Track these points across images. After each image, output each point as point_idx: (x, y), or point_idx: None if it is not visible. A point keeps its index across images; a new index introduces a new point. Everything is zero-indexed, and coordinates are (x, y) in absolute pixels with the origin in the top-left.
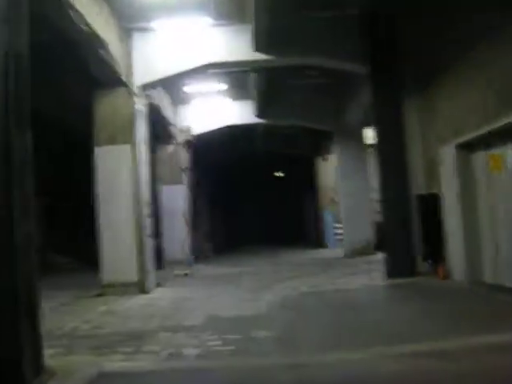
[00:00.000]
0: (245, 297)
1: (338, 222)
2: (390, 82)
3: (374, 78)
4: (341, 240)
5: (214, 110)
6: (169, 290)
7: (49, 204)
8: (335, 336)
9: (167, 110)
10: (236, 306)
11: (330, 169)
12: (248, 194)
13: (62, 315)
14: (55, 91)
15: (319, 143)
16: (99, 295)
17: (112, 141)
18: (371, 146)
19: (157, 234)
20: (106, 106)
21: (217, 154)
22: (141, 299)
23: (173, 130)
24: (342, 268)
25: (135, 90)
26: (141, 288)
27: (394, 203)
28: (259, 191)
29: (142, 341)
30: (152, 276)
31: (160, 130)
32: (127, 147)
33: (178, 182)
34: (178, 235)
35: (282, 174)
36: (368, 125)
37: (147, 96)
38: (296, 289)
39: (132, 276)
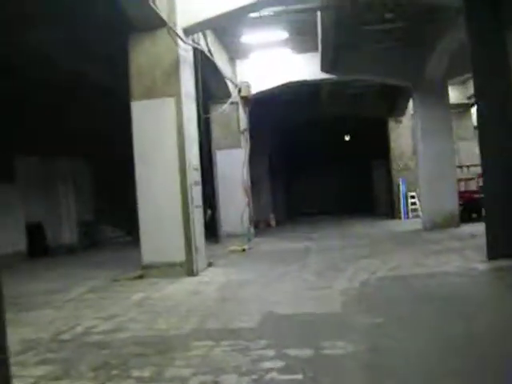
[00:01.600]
0: (312, 283)
1: (413, 191)
2: (492, 16)
3: (469, 12)
4: (416, 210)
5: (274, 64)
6: (221, 272)
7: (96, 170)
8: (451, 361)
9: (222, 63)
10: (301, 298)
11: (404, 132)
12: (313, 160)
13: (82, 307)
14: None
15: (392, 103)
16: (139, 277)
17: (151, 94)
18: (456, 105)
19: (212, 204)
20: (144, 53)
21: (278, 116)
22: (186, 283)
23: (229, 86)
24: (423, 244)
25: (179, 31)
26: (188, 269)
27: (501, 167)
28: (325, 157)
29: (169, 356)
30: (202, 254)
31: (214, 86)
32: (170, 101)
33: (235, 146)
34: (236, 206)
35: (350, 138)
36: (453, 76)
37: (194, 42)
38: (374, 272)
39: (177, 255)
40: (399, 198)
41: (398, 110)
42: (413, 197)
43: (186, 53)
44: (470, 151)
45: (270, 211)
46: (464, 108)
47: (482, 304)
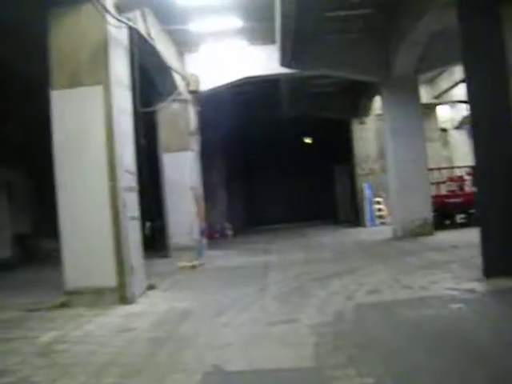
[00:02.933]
0: (273, 313)
1: (379, 197)
2: None
3: None
4: (382, 217)
5: (228, 57)
6: (162, 297)
7: (37, 179)
8: None
9: (168, 54)
10: (259, 339)
11: (369, 133)
12: (273, 164)
13: None
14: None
15: (356, 103)
16: (61, 306)
17: (75, 82)
18: (422, 105)
19: (159, 213)
20: (66, 32)
21: (235, 117)
22: (116, 316)
23: (176, 80)
24: (399, 256)
25: (109, 7)
26: (121, 296)
27: (498, 172)
28: (286, 161)
29: None
30: (139, 276)
31: (160, 81)
32: (97, 89)
33: (184, 148)
34: (187, 215)
35: (311, 141)
36: (424, 71)
37: (130, 20)
38: (349, 297)
39: (108, 278)
40: (364, 205)
41: (362, 110)
42: (378, 202)
43: (117, 32)
44: (436, 154)
45: (226, 220)
46: (430, 109)
47: (503, 351)
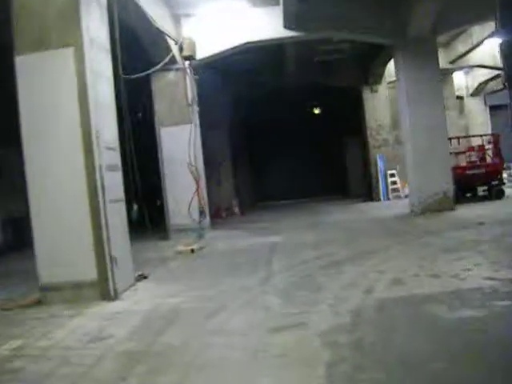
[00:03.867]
0: (276, 314)
1: (393, 169)
2: None
3: None
4: (396, 191)
5: (227, 21)
6: (151, 291)
7: None
8: None
9: (158, 16)
10: (257, 354)
11: (381, 102)
12: (280, 137)
13: None
14: None
15: (367, 70)
16: (35, 303)
17: (41, 45)
18: (442, 71)
19: (157, 192)
20: None
21: (236, 88)
22: (93, 316)
23: (170, 45)
24: (420, 236)
25: None
26: (102, 291)
27: None
28: (293, 133)
29: None
30: (126, 267)
31: (150, 46)
32: (68, 52)
33: (183, 121)
34: (186, 194)
35: (320, 112)
36: (442, 31)
37: None
38: (369, 290)
39: (86, 272)
40: (377, 178)
41: (373, 77)
42: (392, 175)
43: None
44: (453, 123)
45: (233, 197)
46: (446, 75)
47: None
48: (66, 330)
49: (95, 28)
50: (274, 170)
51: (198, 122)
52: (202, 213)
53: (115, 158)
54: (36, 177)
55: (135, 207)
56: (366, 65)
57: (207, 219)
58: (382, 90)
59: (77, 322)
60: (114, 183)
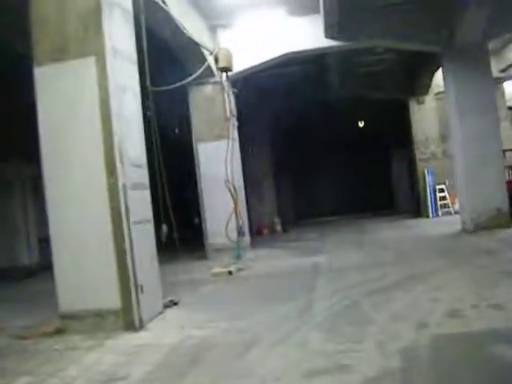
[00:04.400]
0: (315, 355)
1: (442, 184)
2: None
3: None
4: (446, 206)
5: (266, 31)
6: (180, 320)
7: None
8: None
9: (190, 26)
10: None
11: (428, 114)
12: (323, 152)
13: None
14: None
15: (413, 81)
16: (55, 332)
17: (62, 54)
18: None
19: (194, 210)
20: None
21: (280, 101)
22: (112, 350)
23: (206, 56)
24: (476, 257)
25: None
26: (126, 320)
27: None
28: (337, 147)
29: None
30: (151, 295)
31: (184, 57)
32: (89, 62)
33: (221, 136)
34: (225, 213)
35: (363, 124)
36: (493, 37)
37: None
38: (423, 323)
39: (109, 300)
40: (426, 193)
41: (420, 88)
42: (442, 190)
43: None
44: (505, 134)
45: (276, 215)
46: (496, 84)
47: None
48: (80, 366)
49: (119, 36)
50: (317, 185)
51: (236, 138)
52: (240, 232)
53: (142, 175)
54: (56, 197)
55: (164, 227)
56: (412, 75)
57: (247, 238)
58: (429, 101)
59: (94, 357)
60: (140, 203)
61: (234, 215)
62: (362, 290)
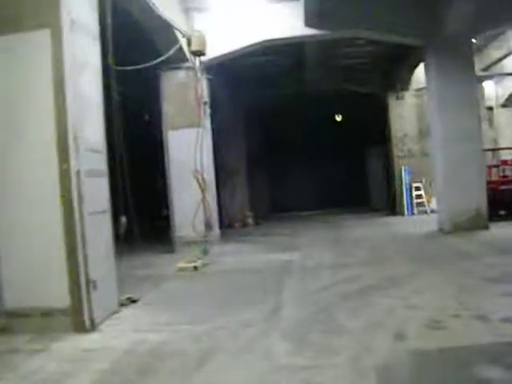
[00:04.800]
0: (281, 370)
1: (418, 182)
2: None
3: None
4: (422, 205)
5: (244, 17)
6: (136, 320)
7: None
8: None
9: (166, 9)
10: None
11: (407, 110)
12: (297, 146)
13: None
14: None
15: (392, 76)
16: (1, 330)
17: (14, 25)
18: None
19: (164, 201)
20: None
21: (252, 92)
22: (56, 355)
23: (180, 40)
24: (455, 259)
25: None
26: (76, 320)
27: None
28: (312, 142)
29: None
30: (104, 293)
31: (159, 43)
32: (43, 36)
33: (192, 124)
34: (194, 204)
35: (341, 118)
36: (480, 32)
37: None
38: (400, 334)
39: (58, 297)
40: (402, 190)
41: (400, 83)
42: (418, 188)
43: None
44: (483, 134)
45: (248, 207)
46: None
47: None
48: (17, 374)
49: (78, 8)
50: (291, 179)
51: (208, 126)
52: (208, 225)
53: (99, 161)
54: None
55: (123, 219)
56: (392, 70)
57: (216, 231)
58: (409, 97)
59: (34, 363)
60: (96, 191)
61: (202, 207)
62: (335, 293)
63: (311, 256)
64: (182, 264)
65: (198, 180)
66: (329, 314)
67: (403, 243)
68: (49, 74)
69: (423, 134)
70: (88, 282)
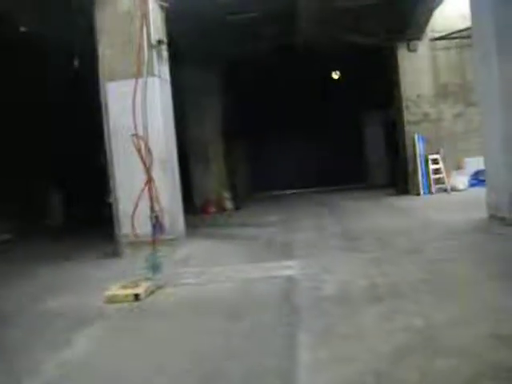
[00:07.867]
0: None
1: (436, 153)
2: None
3: None
4: (441, 182)
5: None
6: None
7: None
8: None
9: None
10: None
11: (421, 64)
12: (285, 112)
13: None
14: None
15: (404, 21)
16: None
17: None
18: None
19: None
20: None
21: (233, 42)
22: None
23: None
24: None
25: None
26: None
27: None
28: (302, 107)
29: None
30: None
31: None
32: None
33: (141, 73)
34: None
35: (338, 76)
36: None
37: None
38: None
39: None
40: (416, 164)
41: (412, 30)
42: (435, 161)
43: None
44: None
45: (225, 187)
46: None
47: None
48: None
49: None
50: (277, 153)
51: (166, 77)
52: (155, 224)
53: None
54: None
55: None
56: (403, 13)
57: (181, 226)
58: (423, 48)
59: None
60: None
61: (147, 195)
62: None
63: (322, 268)
64: (115, 290)
65: (139, 152)
66: None
67: (445, 241)
68: None
69: (441, 94)
70: None
